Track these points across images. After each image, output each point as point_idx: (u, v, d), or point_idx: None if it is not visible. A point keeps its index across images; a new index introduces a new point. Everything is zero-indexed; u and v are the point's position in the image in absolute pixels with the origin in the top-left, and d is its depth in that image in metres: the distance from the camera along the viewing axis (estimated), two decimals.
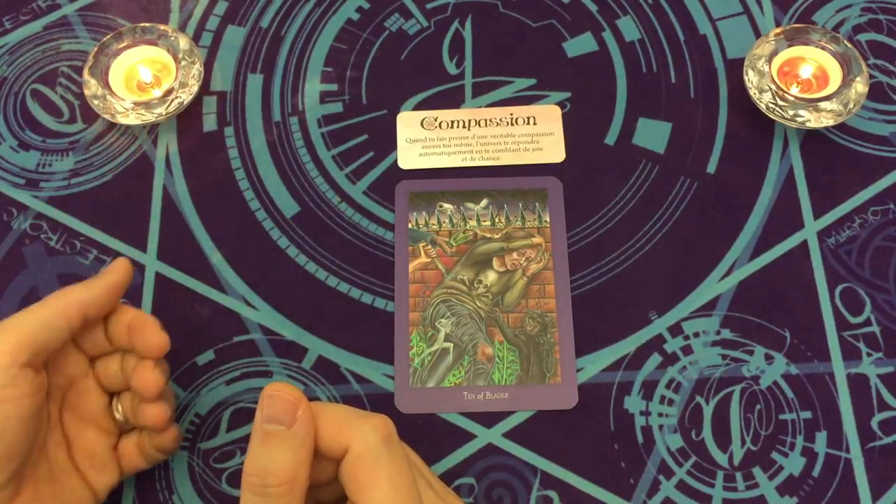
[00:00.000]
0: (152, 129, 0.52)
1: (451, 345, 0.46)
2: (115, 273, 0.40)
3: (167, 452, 0.41)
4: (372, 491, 0.32)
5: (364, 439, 0.33)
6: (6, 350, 0.36)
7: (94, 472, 0.40)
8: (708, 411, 0.44)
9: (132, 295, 0.47)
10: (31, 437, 0.37)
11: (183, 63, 0.52)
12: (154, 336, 0.39)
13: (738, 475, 0.43)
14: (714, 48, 0.54)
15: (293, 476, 0.32)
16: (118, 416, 0.42)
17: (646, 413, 0.44)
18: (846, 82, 0.49)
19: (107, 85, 0.51)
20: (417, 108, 0.53)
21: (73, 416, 0.41)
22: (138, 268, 0.48)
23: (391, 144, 0.52)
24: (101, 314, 0.40)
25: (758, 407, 0.44)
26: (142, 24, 0.53)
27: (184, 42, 0.52)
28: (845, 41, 0.50)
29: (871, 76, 0.52)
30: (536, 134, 0.51)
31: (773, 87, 0.49)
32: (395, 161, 0.51)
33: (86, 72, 0.51)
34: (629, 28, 0.54)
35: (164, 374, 0.40)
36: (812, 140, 0.51)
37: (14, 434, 0.35)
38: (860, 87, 0.49)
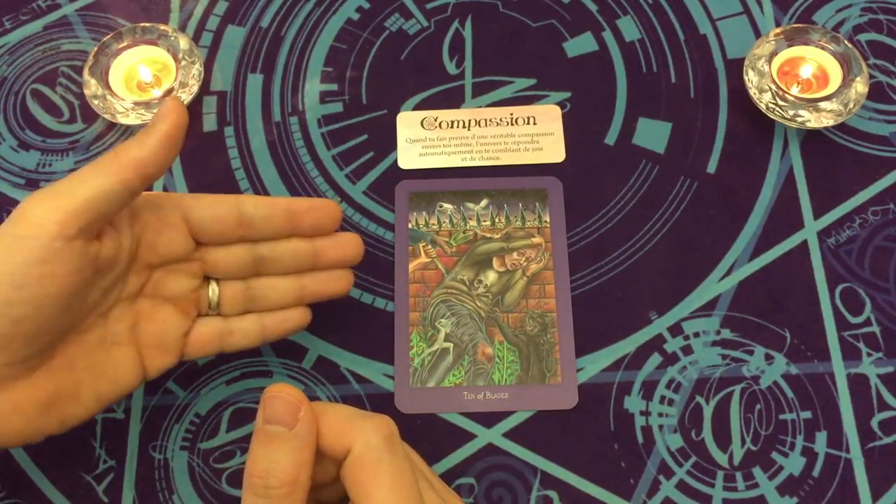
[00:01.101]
0: None
1: (451, 345, 0.46)
2: (167, 119, 0.36)
3: (294, 329, 0.43)
4: (373, 492, 0.32)
5: (366, 440, 0.33)
6: (54, 219, 0.32)
7: (153, 352, 0.39)
8: (708, 411, 0.44)
9: None
10: (72, 313, 0.35)
11: (183, 63, 0.52)
12: (330, 208, 0.41)
13: (738, 475, 0.43)
14: (714, 48, 0.54)
15: (295, 477, 0.32)
16: (212, 299, 0.41)
17: (646, 413, 0.44)
18: (846, 82, 0.49)
19: (107, 85, 0.51)
20: (417, 108, 0.53)
21: (154, 293, 0.39)
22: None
23: (391, 144, 0.52)
24: (163, 169, 0.36)
25: (758, 407, 0.44)
26: (142, 24, 0.53)
27: (184, 42, 0.52)
28: (845, 41, 0.50)
29: (871, 76, 0.52)
30: (536, 134, 0.51)
31: (773, 87, 0.49)
32: (395, 161, 0.51)
33: (86, 72, 0.51)
34: (629, 28, 0.54)
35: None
36: (812, 140, 0.51)
37: (49, 313, 0.34)
38: (860, 87, 0.49)
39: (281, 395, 0.33)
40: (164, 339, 0.40)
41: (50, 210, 0.33)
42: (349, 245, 0.42)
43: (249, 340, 0.42)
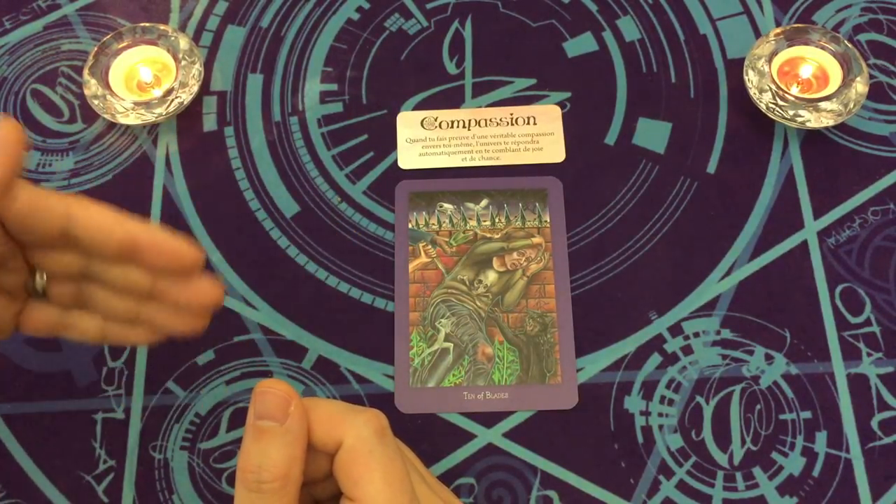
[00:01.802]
0: (152, 129, 0.52)
1: (451, 345, 0.46)
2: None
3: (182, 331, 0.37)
4: (365, 484, 0.32)
5: (357, 433, 0.33)
6: None
7: None
8: (708, 411, 0.44)
9: None
10: None
11: (183, 63, 0.52)
12: (183, 251, 0.35)
13: (738, 475, 0.43)
14: (714, 48, 0.54)
15: (286, 472, 0.32)
16: (38, 288, 0.37)
17: (646, 413, 0.44)
18: (846, 82, 0.49)
19: (107, 85, 0.51)
20: (417, 108, 0.53)
21: None
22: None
23: (391, 144, 0.52)
24: None
25: (758, 407, 0.44)
26: (142, 24, 0.53)
27: (184, 42, 0.52)
28: (845, 41, 0.50)
29: (871, 76, 0.52)
30: (536, 134, 0.51)
31: (773, 87, 0.49)
32: (395, 161, 0.51)
33: (86, 72, 0.51)
34: (629, 28, 0.54)
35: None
36: (812, 140, 0.51)
37: None
38: (860, 87, 0.49)
39: (271, 391, 0.33)
40: None
41: None
42: (202, 293, 0.36)
43: (88, 338, 0.39)
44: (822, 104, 0.49)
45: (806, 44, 0.51)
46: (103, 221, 0.35)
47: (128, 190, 0.50)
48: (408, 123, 0.52)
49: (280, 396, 0.33)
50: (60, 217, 0.35)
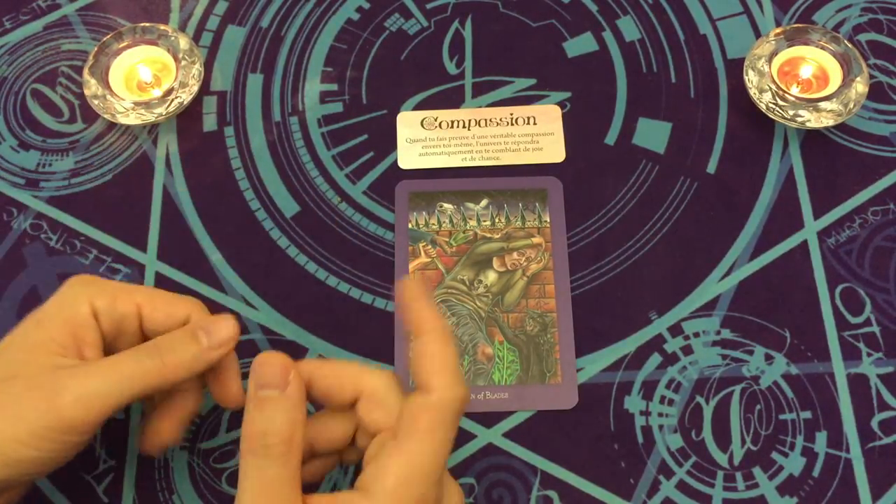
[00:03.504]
0: (152, 129, 0.52)
1: None
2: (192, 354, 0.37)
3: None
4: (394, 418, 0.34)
5: (373, 382, 0.35)
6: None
7: None
8: (708, 411, 0.44)
9: None
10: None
11: (183, 63, 0.52)
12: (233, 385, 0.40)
13: (738, 475, 0.43)
14: (714, 48, 0.54)
15: (291, 435, 0.34)
16: None
17: (646, 413, 0.44)
18: (846, 82, 0.49)
19: (107, 85, 0.51)
20: (417, 108, 0.53)
21: None
22: (138, 268, 0.48)
23: (391, 144, 0.52)
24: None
25: (758, 407, 0.44)
26: (142, 24, 0.53)
27: (184, 42, 0.52)
28: (845, 41, 0.50)
29: (871, 76, 0.52)
30: (536, 134, 0.51)
31: (774, 87, 0.49)
32: (395, 161, 0.51)
33: (86, 72, 0.51)
34: (629, 28, 0.54)
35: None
36: (812, 140, 0.51)
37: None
38: (860, 87, 0.49)
39: (270, 362, 0.35)
40: None
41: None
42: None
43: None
44: (822, 104, 0.49)
45: (806, 44, 0.51)
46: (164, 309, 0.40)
47: (128, 190, 0.50)
48: (408, 123, 0.52)
49: (279, 366, 0.35)
50: (181, 318, 0.39)
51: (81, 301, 0.37)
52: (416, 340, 0.34)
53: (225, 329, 0.38)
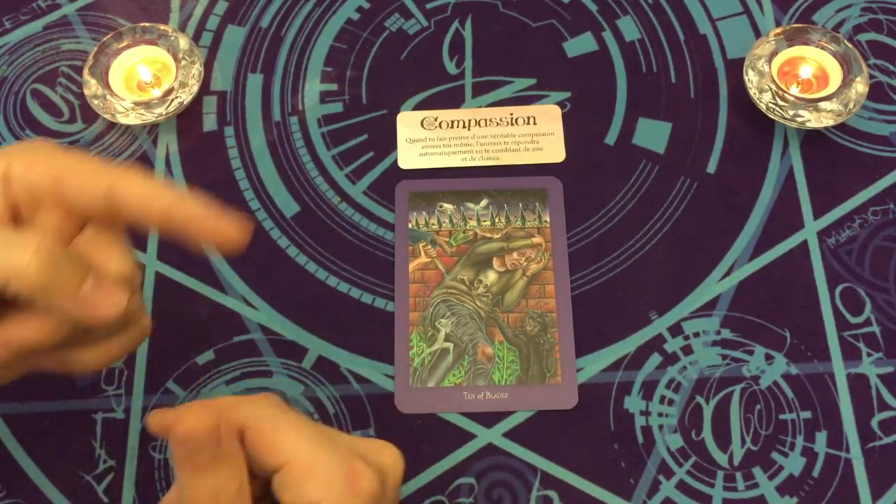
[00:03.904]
0: (152, 129, 0.52)
1: (451, 345, 0.46)
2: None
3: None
4: (283, 444, 0.31)
5: (255, 414, 0.32)
6: None
7: None
8: (708, 411, 0.44)
9: None
10: None
11: (183, 63, 0.52)
12: (230, 228, 0.33)
13: (738, 475, 0.43)
14: (714, 48, 0.54)
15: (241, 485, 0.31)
16: None
17: (646, 413, 0.44)
18: (846, 82, 0.49)
19: (107, 85, 0.51)
20: (417, 108, 0.53)
21: None
22: (138, 268, 0.48)
23: (391, 144, 0.52)
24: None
25: (758, 407, 0.44)
26: (142, 24, 0.53)
27: (184, 42, 0.52)
28: (845, 41, 0.50)
29: (871, 76, 0.52)
30: (536, 134, 0.51)
31: (773, 87, 0.49)
32: (395, 161, 0.51)
33: (86, 72, 0.51)
34: (629, 28, 0.54)
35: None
36: (812, 140, 0.51)
37: None
38: (860, 87, 0.49)
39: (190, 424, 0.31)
40: None
41: None
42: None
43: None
44: (822, 104, 0.49)
45: (806, 44, 0.51)
46: (146, 193, 0.33)
47: None
48: (408, 123, 0.52)
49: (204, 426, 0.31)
50: (104, 187, 0.32)
51: None
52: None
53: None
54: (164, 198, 0.32)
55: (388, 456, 0.34)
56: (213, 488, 0.31)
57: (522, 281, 0.47)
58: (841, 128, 0.51)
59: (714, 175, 0.50)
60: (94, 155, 0.52)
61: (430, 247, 0.48)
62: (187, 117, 0.52)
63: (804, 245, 0.48)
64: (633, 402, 0.45)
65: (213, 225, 0.33)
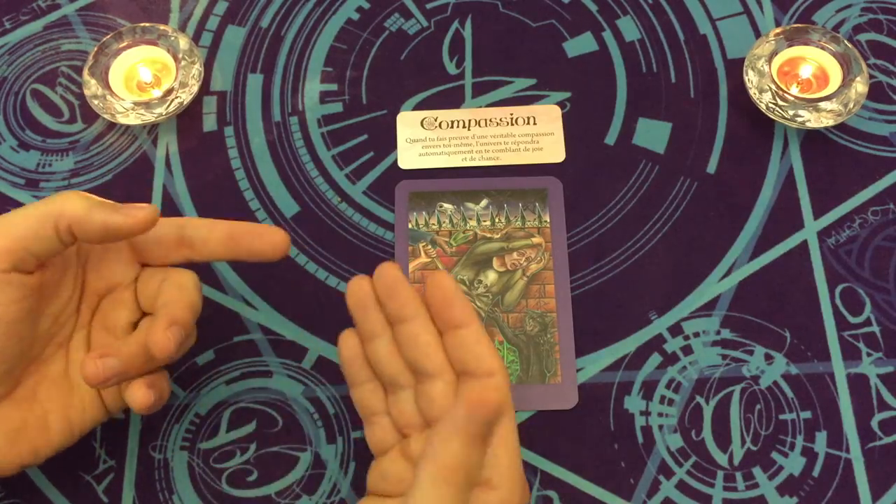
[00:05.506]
0: (152, 129, 0.52)
1: None
2: (130, 218, 0.36)
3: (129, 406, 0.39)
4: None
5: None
6: None
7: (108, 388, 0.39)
8: (708, 411, 0.44)
9: None
10: (22, 339, 0.36)
11: (183, 63, 0.52)
12: (274, 234, 0.39)
13: (738, 475, 0.43)
14: (714, 48, 0.54)
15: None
16: None
17: (646, 413, 0.44)
18: (846, 82, 0.49)
19: (107, 85, 0.51)
20: (417, 108, 0.53)
21: (101, 322, 0.40)
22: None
23: (391, 144, 0.52)
24: (100, 240, 0.37)
25: (758, 407, 0.44)
26: (142, 24, 0.53)
27: (184, 42, 0.52)
28: (845, 41, 0.50)
29: (871, 76, 0.52)
30: (536, 134, 0.51)
31: (773, 87, 0.49)
32: (395, 161, 0.51)
33: (86, 72, 0.51)
34: (629, 28, 0.54)
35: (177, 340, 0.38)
36: (812, 140, 0.51)
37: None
38: (860, 87, 0.49)
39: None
40: None
41: None
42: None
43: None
44: (822, 104, 0.49)
45: (806, 44, 0.51)
46: (204, 223, 0.40)
47: (128, 190, 0.50)
48: (408, 123, 0.52)
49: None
50: (175, 226, 0.40)
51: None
52: (454, 332, 0.34)
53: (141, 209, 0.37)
54: (221, 222, 0.40)
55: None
56: (470, 463, 0.32)
57: (522, 281, 0.47)
58: (841, 128, 0.51)
59: (714, 175, 0.50)
60: (94, 155, 0.52)
61: (430, 247, 0.48)
62: (187, 117, 0.53)
63: (804, 245, 0.48)
64: (633, 402, 0.45)
65: (264, 233, 0.39)
